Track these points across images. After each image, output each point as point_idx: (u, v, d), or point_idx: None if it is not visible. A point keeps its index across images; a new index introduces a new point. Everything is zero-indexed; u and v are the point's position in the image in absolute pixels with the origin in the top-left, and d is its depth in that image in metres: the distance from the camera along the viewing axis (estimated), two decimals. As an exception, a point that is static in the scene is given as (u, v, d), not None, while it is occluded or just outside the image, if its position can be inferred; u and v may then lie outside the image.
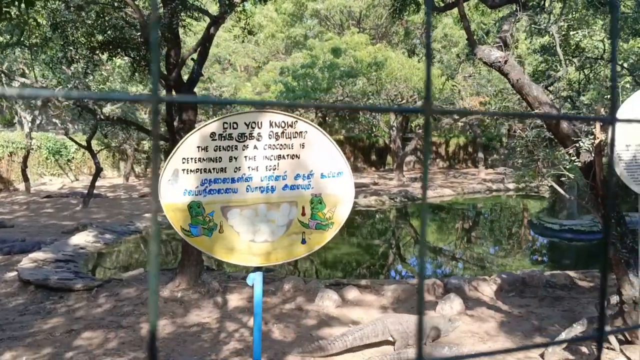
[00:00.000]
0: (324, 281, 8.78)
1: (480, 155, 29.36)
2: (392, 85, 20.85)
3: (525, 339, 6.13)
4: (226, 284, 8.41)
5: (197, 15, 9.09)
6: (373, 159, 35.04)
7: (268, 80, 19.80)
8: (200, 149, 3.21)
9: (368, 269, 12.41)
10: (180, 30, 8.81)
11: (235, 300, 7.76)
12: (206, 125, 3.24)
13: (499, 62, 6.45)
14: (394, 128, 25.54)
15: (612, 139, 0.69)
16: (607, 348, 5.56)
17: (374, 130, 29.27)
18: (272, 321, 6.98)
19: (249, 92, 19.94)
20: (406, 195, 21.69)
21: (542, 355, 5.54)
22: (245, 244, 3.33)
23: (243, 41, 10.05)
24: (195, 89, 9.12)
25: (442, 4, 9.13)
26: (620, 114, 5.06)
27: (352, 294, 7.81)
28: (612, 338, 5.47)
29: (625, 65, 10.23)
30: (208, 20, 8.43)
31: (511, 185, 22.88)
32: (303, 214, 3.45)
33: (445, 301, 7.18)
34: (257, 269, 3.38)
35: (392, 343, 5.68)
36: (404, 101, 23.04)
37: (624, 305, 5.58)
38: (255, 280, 3.31)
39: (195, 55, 8.49)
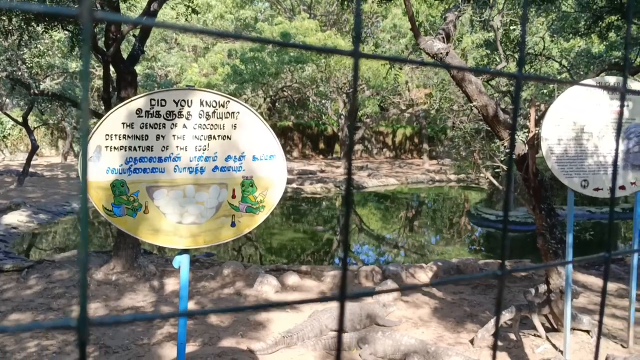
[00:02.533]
0: (265, 266, 8.75)
1: (425, 146, 29.90)
2: (341, 73, 20.87)
3: (457, 324, 6.28)
4: (163, 267, 8.26)
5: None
6: (321, 146, 35.12)
7: (216, 62, 19.43)
8: (125, 125, 3.07)
9: (312, 255, 12.46)
10: (124, 5, 8.48)
11: (172, 284, 7.63)
12: (132, 100, 3.11)
13: (441, 53, 6.52)
14: (342, 116, 25.63)
15: (517, 94, 0.67)
16: (534, 335, 5.76)
17: (323, 117, 29.30)
18: (209, 305, 6.91)
19: (196, 73, 19.52)
20: (352, 184, 21.86)
21: (471, 341, 5.69)
22: (172, 225, 3.23)
23: (186, 19, 9.77)
24: (138, 67, 8.84)
25: (389, -7, 9.14)
26: (553, 108, 5.21)
27: (292, 279, 7.81)
28: (537, 324, 5.67)
29: (565, 63, 10.58)
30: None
31: (453, 176, 23.43)
32: (233, 197, 3.37)
33: (382, 287, 7.27)
34: (184, 251, 3.29)
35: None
36: (352, 89, 23.10)
37: (551, 294, 5.79)
38: (182, 263, 3.23)
39: (137, 32, 8.21)
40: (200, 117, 3.22)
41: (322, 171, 25.31)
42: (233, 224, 3.37)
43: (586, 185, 5.25)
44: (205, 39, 23.43)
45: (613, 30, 9.75)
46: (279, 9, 26.20)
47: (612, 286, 7.82)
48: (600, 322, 0.77)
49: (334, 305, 6.40)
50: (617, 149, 0.66)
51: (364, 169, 26.75)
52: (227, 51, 19.47)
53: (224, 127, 3.29)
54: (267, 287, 7.42)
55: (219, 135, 3.30)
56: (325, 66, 19.99)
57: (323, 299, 0.58)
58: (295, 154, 34.30)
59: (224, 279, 7.91)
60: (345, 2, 9.88)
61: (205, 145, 3.26)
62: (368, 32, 28.56)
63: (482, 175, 7.84)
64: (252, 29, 21.63)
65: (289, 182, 20.71)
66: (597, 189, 5.31)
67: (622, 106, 0.73)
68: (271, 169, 3.46)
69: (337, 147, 33.34)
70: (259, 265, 9.18)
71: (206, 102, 3.23)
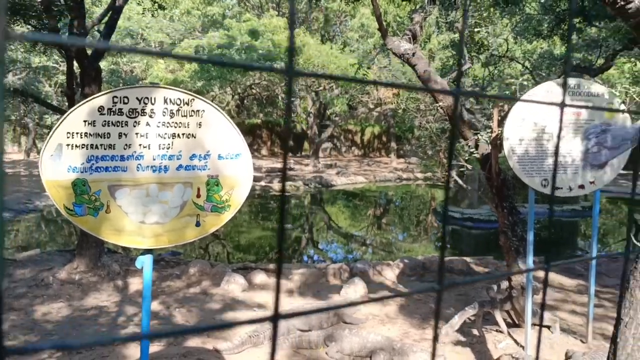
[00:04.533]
0: (232, 265, 8.71)
1: (393, 145, 30.14)
2: (309, 71, 20.87)
3: (422, 321, 6.37)
4: (128, 266, 8.14)
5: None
6: (290, 144, 35.06)
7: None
8: (87, 123, 3.01)
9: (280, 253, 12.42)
10: (89, 0, 8.32)
11: (136, 283, 7.53)
12: (94, 98, 3.06)
13: (408, 53, 6.60)
14: (311, 115, 25.64)
15: (455, 110, 0.69)
16: (496, 331, 5.88)
17: (292, 115, 29.24)
18: (174, 305, 6.84)
19: (162, 69, 19.25)
20: (321, 182, 21.92)
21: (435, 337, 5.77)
22: (135, 225, 3.18)
23: (153, 15, 9.63)
24: (103, 63, 8.68)
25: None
26: (515, 109, 5.31)
27: (259, 277, 7.79)
28: (500, 320, 5.79)
29: (527, 64, 10.80)
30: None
31: (420, 175, 23.68)
32: (198, 196, 3.35)
33: (350, 285, 7.32)
34: (148, 251, 3.25)
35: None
36: (321, 88, 23.16)
37: (513, 290, 5.91)
38: (145, 263, 3.19)
39: (102, 27, 8.07)
40: (164, 115, 3.18)
41: (290, 169, 25.29)
42: (198, 224, 3.34)
43: (546, 184, 5.38)
44: (172, 34, 23.14)
45: (575, 33, 10.00)
46: (247, 6, 26.06)
47: (571, 282, 8.04)
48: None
49: (299, 304, 6.42)
50: (556, 155, 0.68)
51: (332, 167, 26.83)
52: (195, 47, 19.25)
53: (188, 125, 3.26)
54: (234, 286, 7.38)
55: (183, 134, 3.27)
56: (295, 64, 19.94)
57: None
58: (263, 151, 34.18)
59: (190, 278, 7.85)
60: (314, 1, 9.88)
61: (169, 144, 3.22)
62: (337, 30, 28.64)
63: (446, 173, 7.90)
64: (220, 25, 21.44)
65: (257, 179, 20.62)
66: (557, 188, 5.45)
67: (561, 120, 0.76)
68: (237, 168, 3.45)
69: (306, 145, 33.32)
70: (226, 264, 9.13)
71: (170, 99, 3.20)
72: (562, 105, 0.70)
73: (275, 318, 0.50)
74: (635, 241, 3.50)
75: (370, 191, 22.77)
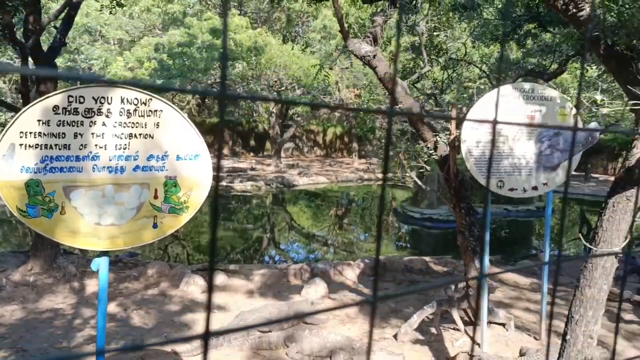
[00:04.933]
0: (191, 266, 8.62)
1: (355, 145, 30.32)
2: (272, 71, 20.82)
3: (382, 320, 6.44)
4: (84, 268, 7.96)
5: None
6: (252, 144, 34.87)
7: (142, 56, 18.85)
8: (41, 122, 2.93)
9: (241, 254, 12.38)
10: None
11: (93, 285, 7.37)
12: (48, 97, 2.98)
13: (369, 55, 6.66)
14: (273, 114, 25.57)
15: (389, 130, 0.71)
16: (454, 329, 6.00)
17: (254, 115, 29.10)
18: (132, 307, 6.73)
19: (121, 67, 18.87)
20: (282, 182, 21.89)
21: (395, 336, 5.85)
22: (90, 226, 3.12)
23: (111, 12, 9.43)
24: (60, 60, 8.47)
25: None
26: (472, 112, 5.43)
27: (219, 279, 7.74)
28: (457, 318, 5.91)
29: (485, 68, 11.03)
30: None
31: (381, 175, 23.88)
32: (155, 197, 3.30)
33: (311, 285, 7.34)
34: (103, 253, 3.19)
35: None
36: (283, 88, 23.12)
37: (470, 289, 6.04)
38: (101, 265, 3.13)
39: (58, 23, 7.87)
40: (120, 115, 3.13)
41: (252, 169, 25.17)
42: (155, 225, 3.30)
43: (502, 185, 5.51)
44: (132, 31, 22.70)
45: (530, 38, 10.27)
46: (209, 5, 25.80)
47: (526, 281, 8.26)
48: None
49: (260, 305, 6.41)
50: (490, 160, 0.71)
51: (294, 167, 26.82)
52: (154, 45, 18.93)
53: (145, 125, 3.21)
54: (193, 288, 7.31)
55: (140, 134, 3.22)
56: (256, 64, 19.87)
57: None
58: (225, 151, 33.88)
59: (148, 279, 7.73)
60: (275, 2, 9.87)
61: (126, 144, 3.17)
62: (299, 31, 28.64)
63: (407, 174, 8.05)
64: (181, 23, 21.16)
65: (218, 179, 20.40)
66: (512, 189, 5.59)
67: (493, 138, 0.79)
68: (196, 169, 3.42)
69: (268, 145, 33.20)
70: (186, 265, 9.03)
71: (127, 99, 3.15)
72: (495, 122, 0.73)
73: (206, 336, 0.51)
74: (584, 242, 3.63)
75: (332, 191, 22.86)
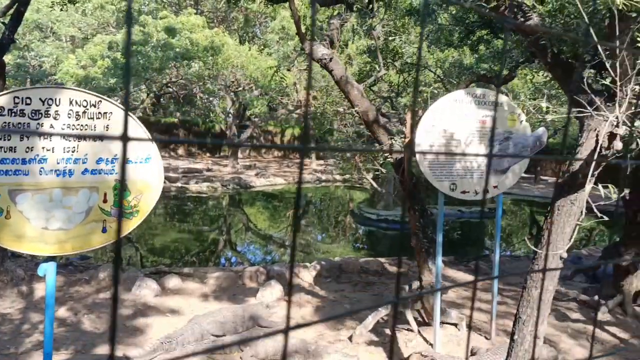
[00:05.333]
0: (145, 269, 8.47)
1: (313, 146, 30.34)
2: (229, 71, 20.65)
3: (337, 322, 6.48)
4: (33, 271, 7.71)
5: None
6: (209, 144, 34.51)
7: (95, 54, 18.40)
8: (-15, 124, 2.84)
9: (196, 256, 12.22)
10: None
11: (42, 289, 7.14)
12: (-8, 98, 2.89)
13: (325, 58, 6.69)
14: (230, 115, 25.36)
15: (301, 164, 0.72)
16: (407, 330, 6.08)
17: (211, 115, 28.78)
18: (82, 312, 6.56)
19: (73, 65, 18.35)
20: (239, 183, 21.74)
21: (350, 338, 5.89)
22: (37, 231, 3.03)
23: (62, 9, 9.17)
24: (8, 57, 8.18)
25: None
26: (426, 116, 5.52)
27: (173, 282, 7.62)
28: (410, 319, 6.00)
29: (439, 72, 11.22)
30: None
31: (338, 177, 24.04)
32: (105, 201, 3.23)
33: (266, 288, 7.32)
34: (50, 258, 3.10)
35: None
36: (240, 88, 22.96)
37: (423, 290, 6.15)
38: (48, 271, 3.04)
39: (7, 20, 7.59)
40: (69, 117, 3.05)
41: (208, 170, 24.90)
42: (104, 230, 3.23)
43: (454, 188, 5.63)
44: (84, 28, 22.10)
45: (483, 44, 10.51)
46: (164, 3, 25.39)
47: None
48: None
49: (214, 308, 6.34)
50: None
51: (251, 168, 26.68)
52: (108, 43, 18.50)
53: (95, 128, 3.13)
54: (146, 291, 7.18)
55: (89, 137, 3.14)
56: (212, 64, 19.66)
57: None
58: (180, 151, 33.41)
59: (100, 283, 7.55)
60: (232, 2, 9.80)
61: (74, 147, 3.09)
62: (257, 32, 28.50)
63: (363, 176, 8.12)
64: (135, 21, 20.77)
65: (173, 180, 20.13)
66: (464, 192, 5.72)
67: (407, 164, 0.81)
68: (147, 172, 3.36)
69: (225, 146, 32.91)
70: (139, 268, 8.87)
71: (76, 101, 3.06)
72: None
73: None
74: (529, 244, 3.75)
75: (289, 192, 22.85)
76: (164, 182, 3.56)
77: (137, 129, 3.27)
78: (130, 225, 3.36)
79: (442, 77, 9.76)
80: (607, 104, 3.58)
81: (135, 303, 6.90)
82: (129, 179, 3.30)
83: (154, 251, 12.42)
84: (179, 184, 20.15)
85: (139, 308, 6.75)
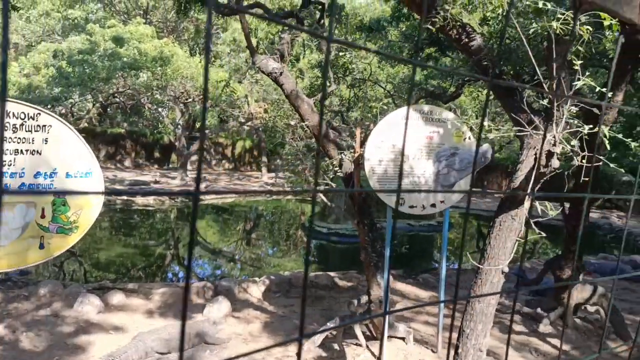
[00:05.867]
0: (88, 285, 8.18)
1: (264, 159, 30.28)
2: (178, 82, 20.39)
3: (286, 338, 6.42)
4: (-34, 290, 7.34)
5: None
6: (156, 156, 33.86)
7: (39, 62, 17.81)
8: None
9: (142, 271, 11.91)
10: None
11: (-26, 307, 6.81)
12: None
13: (275, 72, 6.70)
14: (179, 126, 24.99)
15: (195, 213, 0.70)
16: (356, 344, 6.09)
17: (159, 126, 28.29)
18: (21, 329, 6.27)
19: (16, 73, 17.70)
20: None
21: (298, 354, 5.84)
22: (-32, 248, 2.89)
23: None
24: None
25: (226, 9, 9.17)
26: (375, 131, 5.59)
27: (117, 298, 7.40)
28: (359, 334, 6.01)
29: (389, 87, 11.43)
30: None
31: (289, 190, 23.98)
32: (43, 217, 3.11)
33: (213, 304, 7.20)
34: (-18, 277, 2.96)
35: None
36: (190, 99, 22.69)
37: (372, 304, 6.18)
38: (-21, 290, 2.89)
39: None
40: (6, 130, 2.92)
41: (156, 182, 24.39)
42: (42, 246, 3.10)
43: (403, 202, 5.72)
44: (28, 36, 21.37)
45: (431, 61, 10.79)
46: (113, 12, 24.88)
47: (426, 294, 8.57)
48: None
49: (160, 325, 6.19)
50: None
51: (201, 181, 26.28)
52: (53, 51, 17.95)
53: (33, 141, 3.02)
54: (88, 307, 6.94)
55: (27, 150, 3.02)
56: (161, 74, 19.37)
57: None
58: (127, 163, 32.62)
59: (40, 299, 7.25)
60: (182, 12, 9.71)
61: (11, 160, 2.96)
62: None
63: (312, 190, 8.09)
64: (82, 29, 20.25)
65: (119, 193, 19.58)
66: (412, 207, 5.81)
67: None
68: (87, 187, 3.26)
69: (173, 157, 32.36)
70: (82, 283, 8.56)
71: (13, 113, 2.95)
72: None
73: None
74: (470, 258, 3.83)
75: (240, 206, 22.65)
76: (109, 196, 3.46)
77: (79, 144, 3.17)
78: (70, 242, 3.23)
79: (392, 92, 9.95)
80: (546, 123, 3.72)
81: (78, 320, 6.65)
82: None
83: (98, 266, 12.03)
84: (124, 197, 19.66)
85: (81, 325, 6.52)
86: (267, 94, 23.61)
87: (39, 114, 3.05)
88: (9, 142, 2.98)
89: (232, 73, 19.91)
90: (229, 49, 22.69)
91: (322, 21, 8.63)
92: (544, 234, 3.05)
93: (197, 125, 26.07)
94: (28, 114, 3.02)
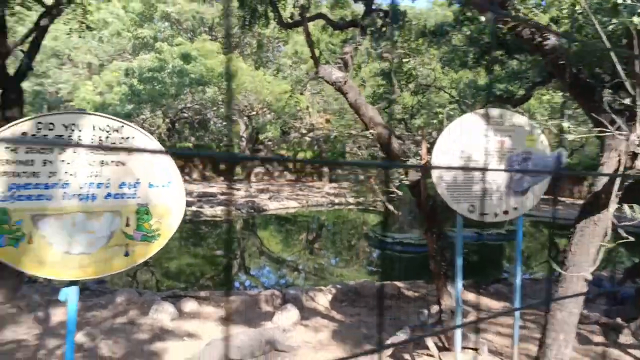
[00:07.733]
0: (161, 293, 8.45)
1: (326, 169, 30.42)
2: (242, 95, 20.86)
3: (355, 347, 6.39)
4: (50, 297, 7.72)
5: (29, 3, 8.30)
6: (222, 168, 34.68)
7: (111, 81, 18.70)
8: (9, 149, 2.87)
9: (211, 280, 12.19)
10: (12, 19, 7.99)
11: (59, 314, 7.15)
12: (17, 124, 2.92)
13: (339, 82, 6.74)
14: (243, 139, 25.52)
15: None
16: (427, 355, 5.98)
17: (224, 139, 29.01)
18: (100, 337, 6.53)
19: (90, 91, 18.65)
20: (253, 206, 21.76)
21: (372, 363, 5.79)
22: (59, 256, 3.03)
23: (80, 36, 9.37)
24: (26, 83, 8.36)
25: (291, 21, 9.32)
26: (442, 137, 5.50)
27: (189, 306, 7.59)
28: (431, 344, 5.90)
29: (454, 93, 11.24)
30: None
31: (352, 199, 23.98)
32: (127, 225, 3.24)
33: (282, 312, 7.26)
34: (72, 283, 3.10)
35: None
36: (254, 112, 23.15)
37: (443, 314, 6.06)
38: (69, 295, 3.04)
39: (25, 47, 7.77)
40: (92, 143, 3.08)
41: (222, 194, 24.97)
42: (127, 254, 3.23)
43: (473, 210, 5.57)
44: (101, 55, 22.50)
45: (497, 64, 10.54)
46: (180, 30, 25.82)
47: (498, 305, 8.32)
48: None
49: (232, 332, 6.29)
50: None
51: (265, 192, 26.71)
52: (124, 70, 18.80)
53: (117, 152, 3.16)
54: (163, 315, 7.15)
55: (112, 161, 3.17)
56: (227, 89, 19.89)
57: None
58: (195, 175, 33.58)
59: (117, 307, 7.54)
60: (247, 27, 9.93)
61: (97, 172, 3.11)
62: (270, 57, 28.81)
63: (378, 199, 8.08)
64: (151, 48, 21.10)
65: (189, 204, 20.18)
66: (483, 214, 5.66)
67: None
68: (168, 196, 3.37)
69: (238, 170, 33.06)
70: (155, 292, 8.85)
71: (99, 127, 3.10)
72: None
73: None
74: (554, 265, 3.68)
75: (302, 216, 22.81)
76: (183, 206, 3.57)
77: (161, 155, 3.29)
78: (153, 249, 3.36)
79: (457, 98, 9.78)
80: (628, 123, 3.54)
81: (153, 327, 6.87)
82: (150, 203, 3.31)
83: (169, 274, 12.42)
84: (193, 208, 20.22)
85: (156, 332, 6.72)
86: (328, 104, 23.76)
87: (122, 126, 3.19)
88: (95, 154, 3.13)
89: (294, 85, 20.17)
90: (291, 61, 23.02)
91: (384, 29, 8.61)
92: (632, 239, 2.89)
93: (260, 137, 26.55)
94: (112, 126, 3.16)
